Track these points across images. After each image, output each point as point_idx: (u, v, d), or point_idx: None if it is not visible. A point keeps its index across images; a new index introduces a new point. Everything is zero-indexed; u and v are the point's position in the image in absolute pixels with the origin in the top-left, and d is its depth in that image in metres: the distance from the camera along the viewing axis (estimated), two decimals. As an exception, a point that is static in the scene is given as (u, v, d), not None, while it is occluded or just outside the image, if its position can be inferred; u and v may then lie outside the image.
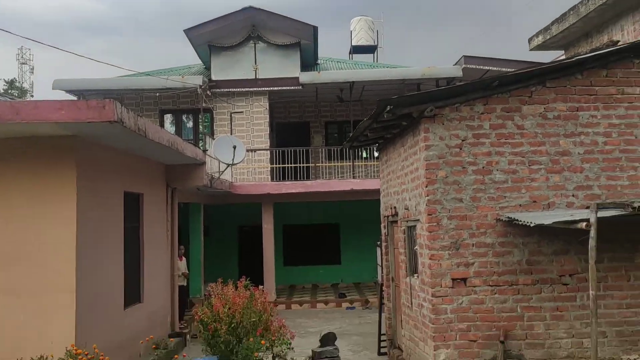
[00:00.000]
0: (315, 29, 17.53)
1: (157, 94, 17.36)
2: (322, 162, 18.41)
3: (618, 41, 7.94)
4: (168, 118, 18.82)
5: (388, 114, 6.93)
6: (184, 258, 12.94)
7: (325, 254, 19.63)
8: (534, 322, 6.75)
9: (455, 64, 17.51)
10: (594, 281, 5.42)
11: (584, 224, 5.45)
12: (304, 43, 17.98)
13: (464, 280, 6.78)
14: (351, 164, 17.33)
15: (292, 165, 17.27)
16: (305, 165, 17.43)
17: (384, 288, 10.33)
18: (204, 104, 17.03)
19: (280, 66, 17.81)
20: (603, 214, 5.58)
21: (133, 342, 8.41)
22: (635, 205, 5.65)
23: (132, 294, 9.09)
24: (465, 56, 17.08)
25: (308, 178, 17.60)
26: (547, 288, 6.79)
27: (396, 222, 8.99)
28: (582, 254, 6.42)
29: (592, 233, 5.35)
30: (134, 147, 8.44)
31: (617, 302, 6.82)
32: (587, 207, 6.15)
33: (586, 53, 7.24)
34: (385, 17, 29.15)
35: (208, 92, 17.24)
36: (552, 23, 9.87)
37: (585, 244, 5.49)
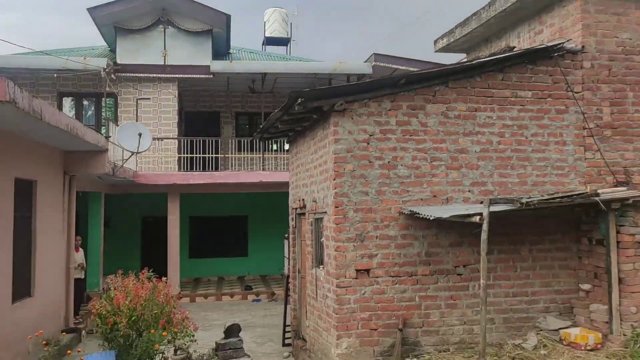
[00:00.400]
0: (228, 17, 17.22)
1: (56, 75, 16.26)
2: (231, 153, 18.17)
3: (514, 47, 8.49)
4: (67, 101, 17.71)
5: (299, 106, 6.97)
6: (81, 249, 12.27)
7: (233, 246, 19.43)
8: (430, 311, 7.10)
9: (366, 61, 17.93)
10: (484, 271, 5.79)
11: (478, 217, 5.80)
12: (216, 31, 17.61)
13: (368, 271, 6.98)
14: (261, 155, 17.25)
15: (201, 155, 16.90)
16: (214, 155, 17.12)
17: (290, 280, 10.41)
18: (107, 88, 16.19)
19: (191, 53, 17.33)
20: (495, 208, 5.97)
21: (22, 339, 7.86)
22: (523, 201, 6.11)
23: (22, 287, 8.50)
24: (375, 54, 17.53)
25: (217, 169, 17.31)
26: (443, 278, 7.16)
27: (304, 214, 9.08)
28: (475, 246, 6.83)
29: (485, 226, 5.71)
30: (28, 130, 7.87)
31: (504, 291, 7.34)
32: (481, 202, 6.54)
33: (485, 57, 7.68)
34: (300, 10, 29.25)
35: (112, 75, 16.41)
36: (456, 27, 10.34)
37: (479, 236, 5.85)
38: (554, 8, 8.30)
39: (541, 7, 8.53)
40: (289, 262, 10.62)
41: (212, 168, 17.00)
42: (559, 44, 7.67)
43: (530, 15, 8.82)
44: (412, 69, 16.15)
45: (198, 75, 17.24)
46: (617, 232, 6.83)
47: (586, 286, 7.36)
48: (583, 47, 7.77)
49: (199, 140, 16.92)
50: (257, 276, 19.35)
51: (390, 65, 17.21)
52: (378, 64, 17.29)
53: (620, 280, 6.82)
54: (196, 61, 17.19)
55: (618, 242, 6.85)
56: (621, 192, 6.88)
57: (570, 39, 7.86)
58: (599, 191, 6.64)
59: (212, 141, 17.12)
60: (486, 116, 7.46)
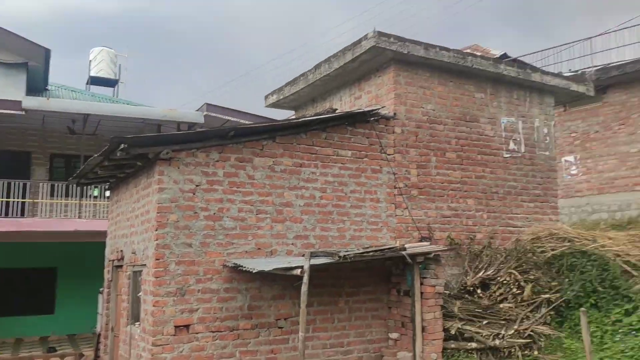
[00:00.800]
0: (47, 51, 15.95)
1: None
2: (43, 198, 16.44)
3: (336, 109, 9.12)
4: None
5: (122, 152, 6.63)
6: None
7: (36, 302, 17.27)
8: (251, 366, 6.98)
9: (198, 110, 17.79)
10: (303, 324, 5.90)
11: (299, 270, 5.95)
12: (32, 65, 16.16)
13: (187, 327, 6.68)
14: (78, 202, 15.89)
15: (4, 199, 15.01)
16: (21, 200, 15.33)
17: (101, 339, 9.54)
18: None
19: (1, 86, 15.61)
20: (315, 261, 6.18)
21: None
22: (341, 254, 6.42)
23: None
24: (207, 104, 17.51)
25: (23, 215, 15.48)
26: (265, 332, 7.13)
27: (122, 266, 8.48)
28: (297, 299, 6.95)
29: (305, 279, 5.86)
30: None
31: (322, 343, 7.54)
32: (303, 255, 6.74)
33: (310, 116, 8.12)
34: (132, 53, 28.31)
35: None
36: (286, 85, 10.83)
37: (300, 289, 5.97)
38: (371, 77, 9.16)
39: (361, 75, 9.34)
40: (102, 319, 9.75)
41: (17, 214, 15.16)
42: (375, 109, 8.43)
43: (352, 81, 9.61)
44: (243, 121, 16.44)
45: (7, 111, 15.44)
46: (421, 283, 7.50)
47: (394, 335, 7.89)
48: (395, 114, 8.63)
49: (3, 183, 15.06)
50: (65, 336, 17.35)
51: (222, 116, 17.31)
52: (210, 114, 17.27)
53: (423, 329, 7.43)
54: (6, 95, 15.49)
55: (422, 293, 7.50)
56: (424, 246, 7.62)
57: (385, 106, 8.69)
58: (406, 245, 7.26)
59: (19, 184, 15.35)
60: (310, 172, 7.81)
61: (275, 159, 7.58)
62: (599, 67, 15.17)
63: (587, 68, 15.45)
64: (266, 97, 11.61)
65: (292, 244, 7.51)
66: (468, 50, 13.15)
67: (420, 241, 8.25)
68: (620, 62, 14.93)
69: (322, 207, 7.81)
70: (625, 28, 15.31)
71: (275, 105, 11.57)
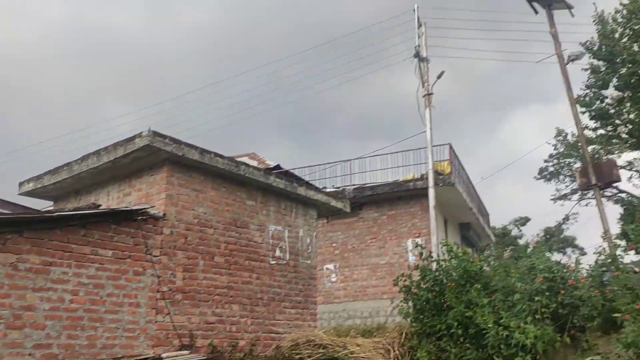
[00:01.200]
0: None
1: None
2: None
3: (100, 205, 8.58)
4: None
5: None
6: None
7: None
8: None
9: None
10: None
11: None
12: None
13: None
14: None
15: None
16: None
17: None
18: None
19: None
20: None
21: None
22: (86, 367, 5.75)
23: None
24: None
25: None
26: None
27: None
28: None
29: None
30: None
31: None
32: (40, 369, 5.86)
33: (69, 210, 7.47)
34: None
35: None
36: (46, 173, 9.85)
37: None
38: (144, 175, 8.92)
39: (132, 172, 9.02)
40: None
41: None
42: (143, 208, 8.14)
43: (122, 177, 9.20)
44: (-9, 207, 14.35)
45: None
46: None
47: None
48: (165, 214, 8.43)
49: None
50: None
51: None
52: (-52, 195, 14.75)
53: None
54: None
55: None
56: (182, 356, 7.27)
57: (155, 206, 8.45)
58: (163, 355, 6.85)
59: None
60: (62, 272, 7.04)
61: (20, 256, 6.68)
62: (356, 186, 17.26)
63: (347, 186, 17.45)
64: (20, 184, 10.40)
65: (30, 354, 6.50)
66: (246, 158, 13.77)
67: (180, 349, 7.86)
68: (373, 184, 17.22)
69: (71, 311, 7.00)
70: (378, 155, 17.88)
71: (31, 194, 10.41)
